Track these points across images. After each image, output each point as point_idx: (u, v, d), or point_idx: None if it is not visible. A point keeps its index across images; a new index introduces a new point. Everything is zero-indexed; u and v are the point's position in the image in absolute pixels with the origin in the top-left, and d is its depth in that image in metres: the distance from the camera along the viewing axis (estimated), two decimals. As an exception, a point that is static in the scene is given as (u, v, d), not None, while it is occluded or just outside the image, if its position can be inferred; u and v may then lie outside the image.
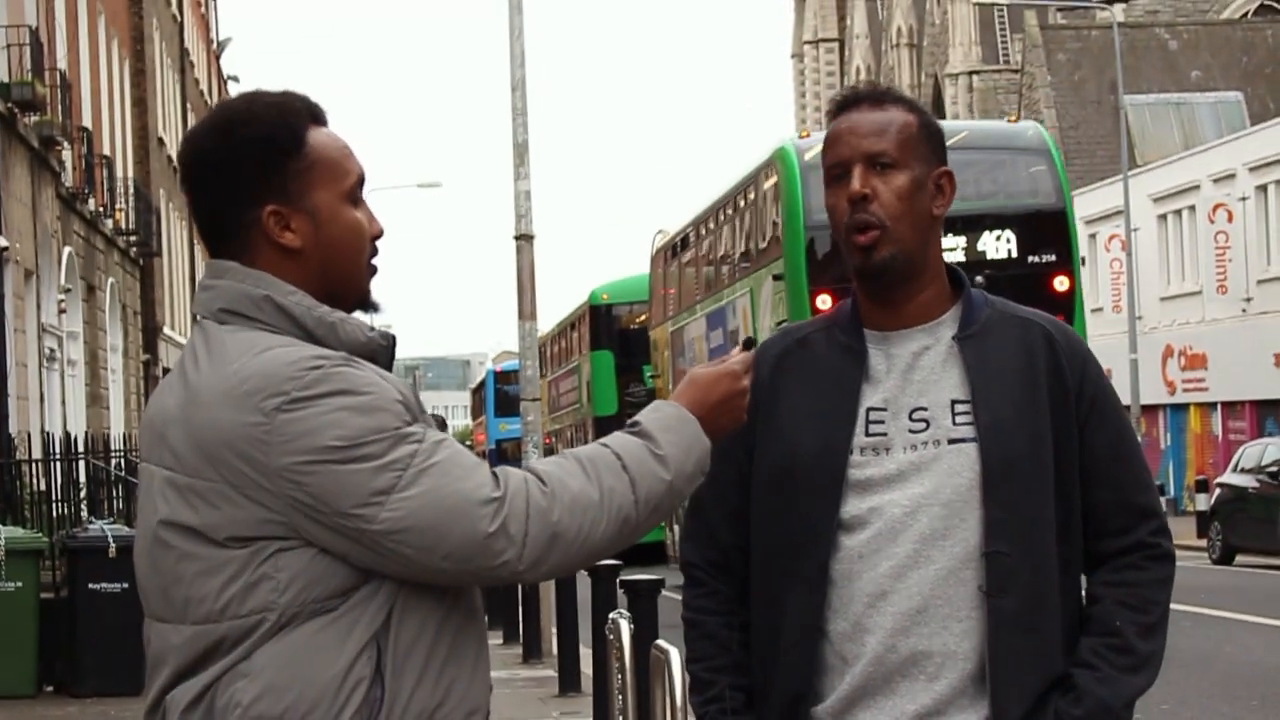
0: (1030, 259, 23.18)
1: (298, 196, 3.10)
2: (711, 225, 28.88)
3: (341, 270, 3.14)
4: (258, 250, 3.11)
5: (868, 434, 3.47)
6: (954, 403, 3.47)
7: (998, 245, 23.18)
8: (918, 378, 3.49)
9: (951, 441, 3.45)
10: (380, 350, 3.12)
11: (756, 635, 3.58)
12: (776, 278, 23.48)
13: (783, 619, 3.49)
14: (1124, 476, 3.54)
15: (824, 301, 21.74)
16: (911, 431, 3.46)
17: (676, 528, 32.35)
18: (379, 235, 3.19)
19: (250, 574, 2.99)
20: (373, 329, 3.13)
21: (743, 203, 26.45)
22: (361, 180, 3.18)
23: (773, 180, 24.27)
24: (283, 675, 2.97)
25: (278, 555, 2.99)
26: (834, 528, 3.45)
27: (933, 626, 3.41)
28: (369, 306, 3.22)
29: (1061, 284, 23.06)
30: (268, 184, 3.09)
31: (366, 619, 3.01)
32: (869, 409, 3.48)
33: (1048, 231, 23.04)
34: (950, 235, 21.85)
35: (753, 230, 25.88)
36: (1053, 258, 23.30)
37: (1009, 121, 27.92)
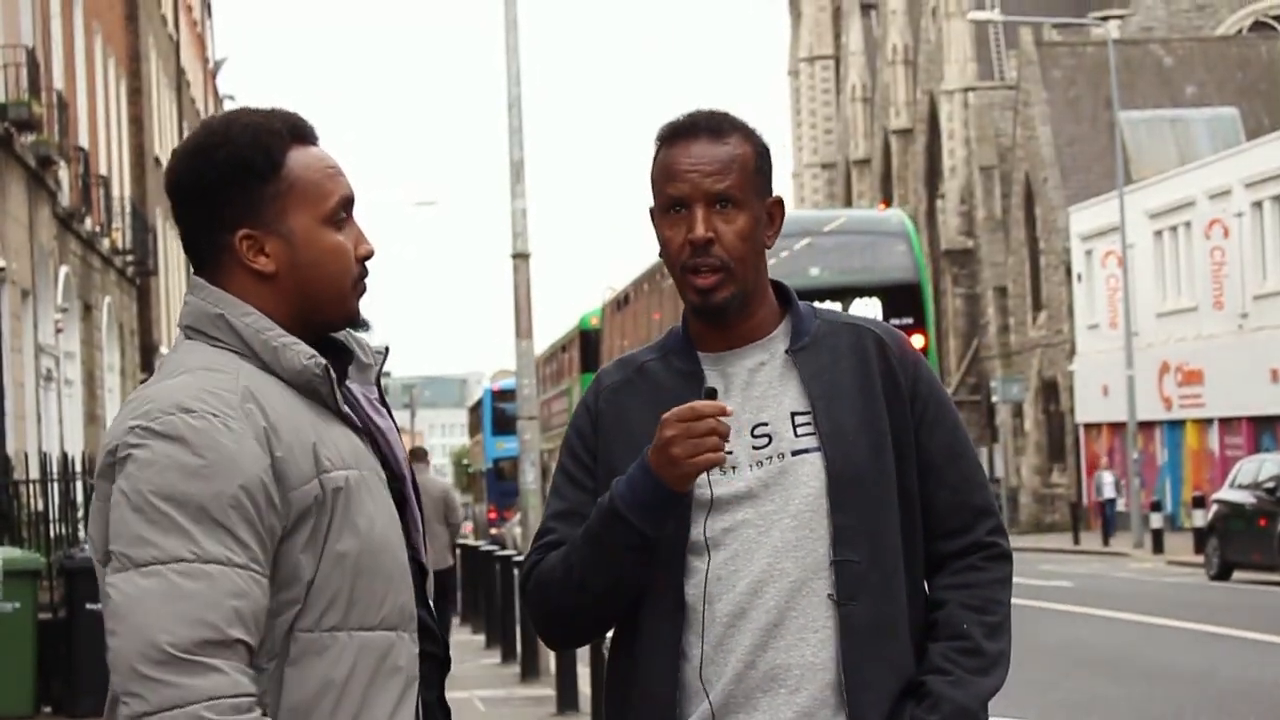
0: (892, 321, 28.15)
1: (272, 220, 3.06)
2: (646, 288, 34.30)
3: (320, 294, 3.09)
4: (231, 273, 3.08)
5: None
6: (794, 414, 3.47)
7: (866, 310, 29.23)
8: (756, 394, 3.50)
9: (795, 453, 3.45)
10: (316, 381, 3.03)
11: (616, 665, 3.55)
12: None
13: (643, 648, 3.47)
14: (960, 476, 3.55)
15: None
16: (755, 448, 3.46)
17: None
18: (368, 256, 3.14)
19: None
20: (311, 357, 3.03)
21: (666, 272, 31.32)
22: (346, 201, 3.12)
23: None
24: None
25: None
26: (685, 551, 3.44)
27: (789, 639, 3.40)
28: (357, 325, 3.17)
29: (918, 341, 29.26)
30: (241, 208, 3.06)
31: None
32: None
33: (906, 300, 28.60)
34: (828, 302, 28.48)
35: (674, 296, 31.86)
36: (910, 321, 29.83)
37: (879, 209, 35.60)
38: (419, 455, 21.27)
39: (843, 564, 3.41)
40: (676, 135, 3.51)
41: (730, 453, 3.44)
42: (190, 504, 2.88)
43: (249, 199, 3.06)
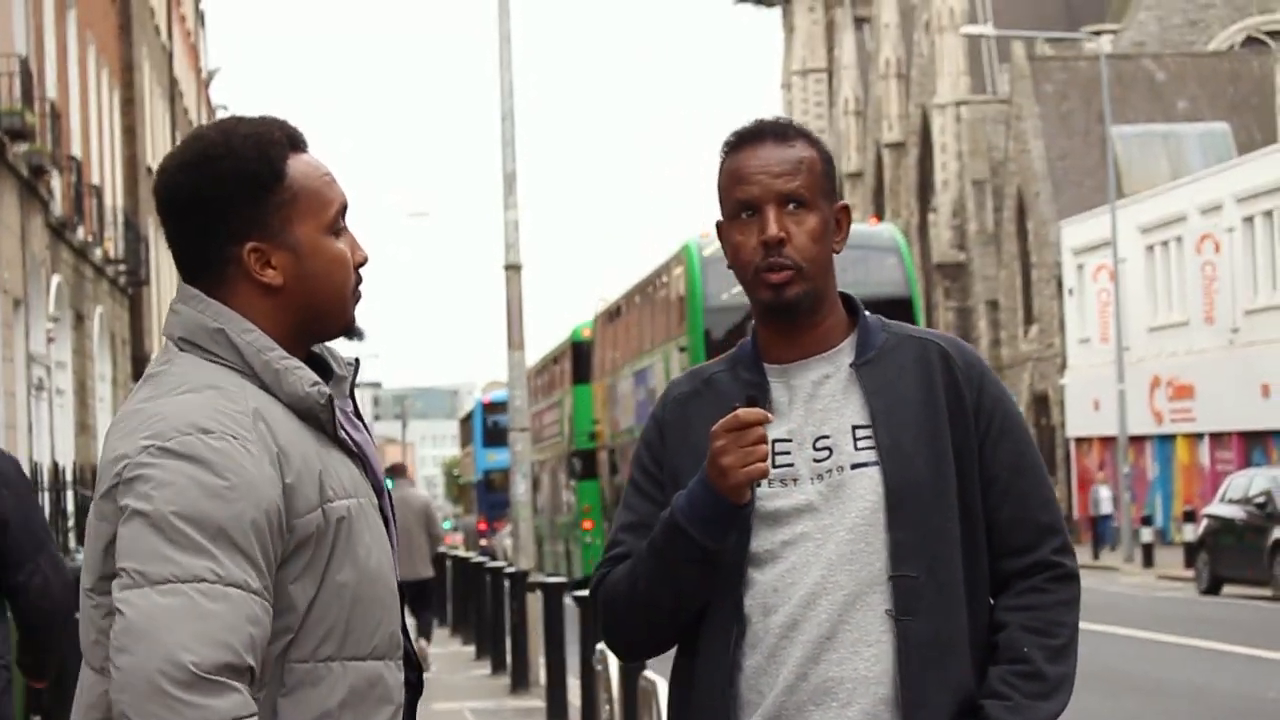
0: None
1: (279, 231, 3.01)
2: (638, 300, 33.98)
3: (324, 304, 3.05)
4: (236, 286, 3.02)
5: (775, 465, 3.45)
6: (855, 428, 3.46)
7: None
8: (819, 406, 3.49)
9: (854, 466, 3.44)
10: (318, 409, 2.98)
11: (678, 676, 3.56)
12: (681, 349, 28.75)
13: (700, 658, 3.47)
14: (1026, 492, 3.52)
15: None
16: (816, 461, 3.46)
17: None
18: (363, 263, 3.10)
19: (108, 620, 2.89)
20: (315, 383, 2.98)
21: (659, 284, 31.98)
22: (344, 209, 3.08)
23: (679, 270, 29.78)
24: None
25: None
26: (745, 563, 3.44)
27: (842, 653, 3.39)
28: (353, 334, 3.13)
29: None
30: (248, 220, 2.99)
31: None
32: (775, 440, 3.45)
33: (898, 314, 29.75)
34: None
35: (665, 308, 31.12)
36: None
37: (870, 223, 34.83)
38: (399, 470, 21.34)
39: (900, 579, 3.39)
40: (743, 141, 3.53)
41: (792, 465, 3.46)
42: (211, 525, 2.82)
43: (255, 210, 3.00)
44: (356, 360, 3.20)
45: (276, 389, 2.98)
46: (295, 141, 3.07)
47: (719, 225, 3.56)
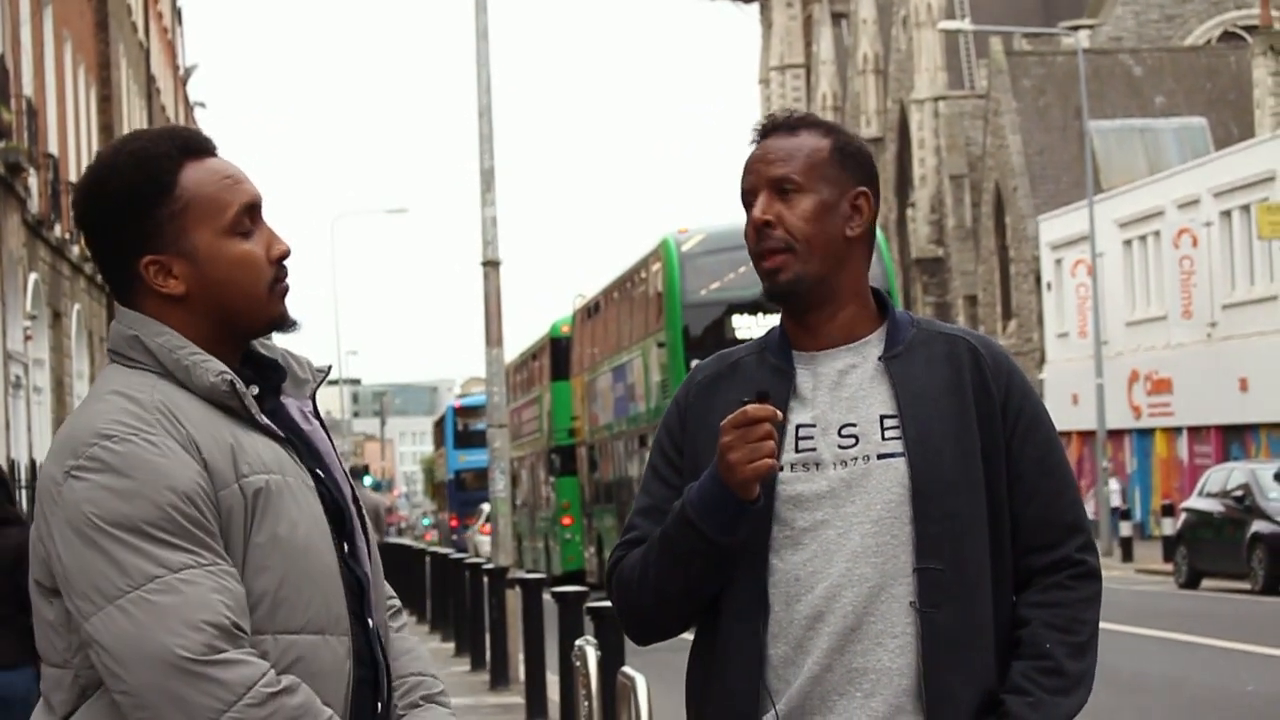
0: None
1: (173, 242, 3.07)
2: (616, 296, 33.94)
3: (235, 305, 3.09)
4: (144, 299, 3.09)
5: (797, 450, 3.47)
6: (883, 418, 3.48)
7: None
8: (845, 395, 3.51)
9: (881, 457, 3.45)
10: (225, 397, 3.05)
11: (698, 660, 3.57)
12: (660, 345, 28.70)
13: (723, 645, 3.48)
14: (1051, 490, 3.55)
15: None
16: (841, 447, 3.47)
17: (592, 550, 36.72)
18: (283, 256, 3.14)
19: (56, 621, 3.01)
20: (220, 373, 3.05)
21: (637, 280, 31.92)
22: (248, 208, 3.10)
23: (658, 266, 29.71)
24: None
25: (70, 614, 2.99)
26: (767, 549, 3.45)
27: (866, 644, 3.41)
28: (285, 327, 3.17)
29: None
30: (140, 236, 3.06)
31: None
32: (798, 425, 3.48)
33: None
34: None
35: (644, 304, 31.00)
36: None
37: None
38: (354, 473, 21.39)
39: (925, 571, 3.42)
40: (758, 137, 3.60)
41: (814, 450, 3.47)
42: (136, 525, 2.90)
43: (145, 226, 3.06)
44: (328, 368, 3.28)
45: (189, 383, 3.05)
46: (191, 149, 3.11)
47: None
